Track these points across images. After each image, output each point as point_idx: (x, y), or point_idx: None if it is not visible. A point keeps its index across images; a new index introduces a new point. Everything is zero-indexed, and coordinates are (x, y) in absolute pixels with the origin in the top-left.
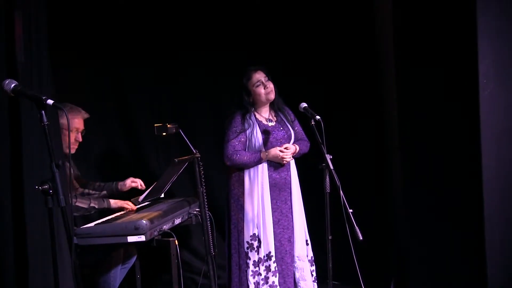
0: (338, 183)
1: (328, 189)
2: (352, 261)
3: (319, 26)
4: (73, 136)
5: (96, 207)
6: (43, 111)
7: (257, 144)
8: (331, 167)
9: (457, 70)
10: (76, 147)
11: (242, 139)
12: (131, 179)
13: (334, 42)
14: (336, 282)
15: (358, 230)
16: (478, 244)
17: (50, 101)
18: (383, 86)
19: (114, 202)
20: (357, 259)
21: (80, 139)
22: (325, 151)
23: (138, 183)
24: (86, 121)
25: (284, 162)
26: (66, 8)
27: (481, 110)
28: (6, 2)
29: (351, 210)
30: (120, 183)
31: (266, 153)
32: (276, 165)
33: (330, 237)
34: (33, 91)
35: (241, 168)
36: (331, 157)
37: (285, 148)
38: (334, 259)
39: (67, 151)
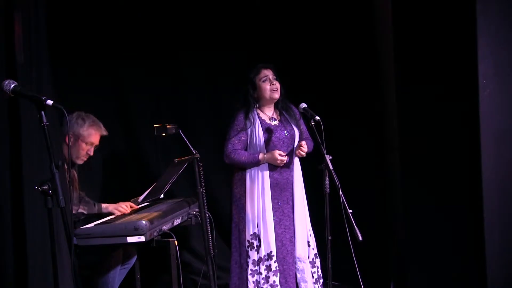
0: (337, 183)
1: (327, 190)
2: (351, 261)
3: (320, 26)
4: (86, 149)
5: (85, 212)
6: (42, 112)
7: (258, 143)
8: (331, 167)
9: (457, 70)
10: (85, 159)
11: (243, 138)
12: (116, 207)
13: (334, 41)
14: (335, 283)
15: (357, 231)
16: (478, 244)
17: (49, 102)
18: (383, 86)
19: (105, 207)
20: (357, 259)
21: (92, 153)
22: (324, 152)
23: (122, 210)
24: None
25: (281, 165)
26: (66, 8)
27: (481, 110)
28: (6, 2)
29: (350, 211)
30: (104, 207)
31: (265, 155)
32: (280, 166)
33: (329, 238)
34: (33, 91)
35: (243, 167)
36: (330, 157)
37: (300, 146)
38: (334, 260)
39: (78, 161)
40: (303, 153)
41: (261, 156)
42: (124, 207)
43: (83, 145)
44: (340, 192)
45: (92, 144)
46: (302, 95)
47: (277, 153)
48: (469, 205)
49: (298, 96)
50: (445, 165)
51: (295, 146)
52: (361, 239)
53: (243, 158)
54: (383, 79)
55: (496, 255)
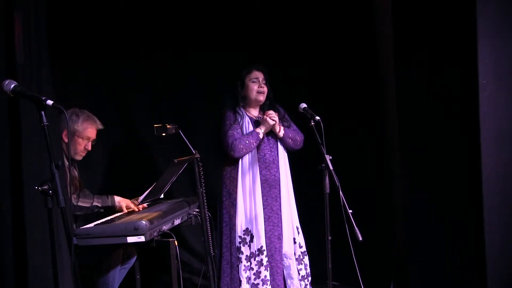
0: (337, 183)
1: (327, 190)
2: (351, 262)
3: (320, 26)
4: (83, 144)
5: (99, 205)
6: (42, 112)
7: None
8: (331, 167)
9: (457, 70)
10: (84, 155)
11: (239, 130)
12: (127, 204)
13: (334, 41)
14: (335, 283)
15: (357, 231)
16: (478, 244)
17: (49, 102)
18: (383, 86)
19: (118, 201)
20: (357, 260)
21: (90, 148)
22: (324, 152)
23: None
24: None
25: (272, 119)
26: (66, 9)
27: (481, 110)
28: (6, 2)
29: (350, 211)
30: (116, 200)
31: (261, 127)
32: (267, 162)
33: (329, 238)
34: (33, 91)
35: (235, 161)
36: (330, 157)
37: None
38: (334, 260)
39: (76, 157)
40: (273, 118)
41: (258, 130)
42: (133, 206)
43: (80, 140)
44: (340, 192)
45: (88, 138)
46: (302, 95)
47: (265, 116)
48: (469, 205)
49: (298, 96)
50: (445, 165)
51: (279, 144)
52: (361, 239)
53: (246, 141)
54: (383, 79)
55: (496, 255)
